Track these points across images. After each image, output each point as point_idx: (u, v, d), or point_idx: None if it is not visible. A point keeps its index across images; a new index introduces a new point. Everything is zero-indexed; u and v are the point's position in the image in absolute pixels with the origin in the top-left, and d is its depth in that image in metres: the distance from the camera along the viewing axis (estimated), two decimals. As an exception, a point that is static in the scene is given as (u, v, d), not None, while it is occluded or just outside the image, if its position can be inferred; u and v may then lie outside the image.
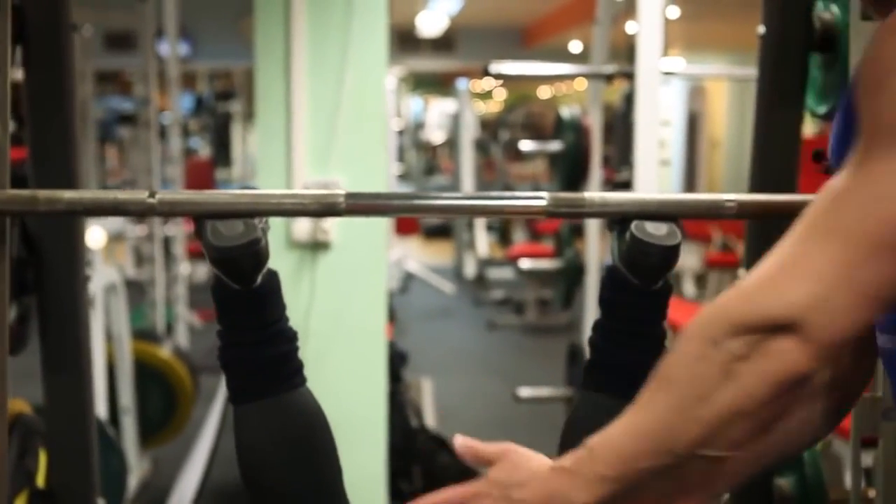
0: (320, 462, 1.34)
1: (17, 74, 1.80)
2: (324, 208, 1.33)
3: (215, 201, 1.29)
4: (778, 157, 2.03)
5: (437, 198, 1.43)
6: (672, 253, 1.28)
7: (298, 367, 1.35)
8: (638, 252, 1.28)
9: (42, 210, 1.33)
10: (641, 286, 1.30)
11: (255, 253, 1.26)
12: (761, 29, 2.02)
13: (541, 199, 1.34)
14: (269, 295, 1.31)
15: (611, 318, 1.34)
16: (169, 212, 1.31)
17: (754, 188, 2.02)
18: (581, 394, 1.37)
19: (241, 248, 1.24)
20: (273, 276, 1.32)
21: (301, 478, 1.32)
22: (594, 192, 1.41)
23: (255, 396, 1.32)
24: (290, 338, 1.34)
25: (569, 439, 1.36)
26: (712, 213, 1.34)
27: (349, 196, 1.32)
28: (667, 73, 3.49)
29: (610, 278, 1.33)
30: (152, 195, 1.29)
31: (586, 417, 1.34)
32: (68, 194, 1.33)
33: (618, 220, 1.33)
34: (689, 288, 8.46)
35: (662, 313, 1.33)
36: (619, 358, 1.32)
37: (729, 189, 1.35)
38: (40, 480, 1.95)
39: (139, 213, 1.32)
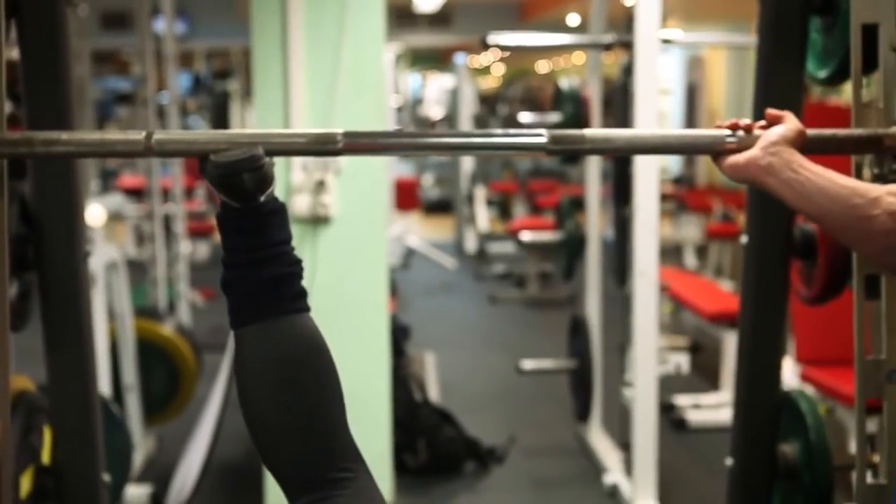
0: (318, 390, 1.30)
1: (14, 53, 1.79)
2: (321, 147, 1.33)
3: (211, 139, 1.29)
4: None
5: (437, 135, 1.42)
6: None
7: (300, 292, 1.32)
8: None
9: (39, 152, 1.32)
10: None
11: (256, 169, 1.25)
12: (760, -7, 2.00)
13: (540, 136, 1.34)
14: (271, 216, 1.29)
15: None
16: (164, 151, 1.30)
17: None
18: None
19: (241, 162, 1.24)
20: (278, 202, 1.31)
21: (295, 403, 1.28)
22: (594, 129, 1.40)
23: (254, 318, 1.29)
24: (292, 262, 1.32)
25: None
26: (712, 148, 1.34)
27: (347, 135, 1.31)
28: (665, 42, 3.47)
29: None
30: (149, 136, 1.29)
31: None
32: (66, 135, 1.32)
33: None
34: (690, 259, 8.45)
35: None
36: None
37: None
38: (45, 457, 1.95)
39: (136, 154, 1.31)
